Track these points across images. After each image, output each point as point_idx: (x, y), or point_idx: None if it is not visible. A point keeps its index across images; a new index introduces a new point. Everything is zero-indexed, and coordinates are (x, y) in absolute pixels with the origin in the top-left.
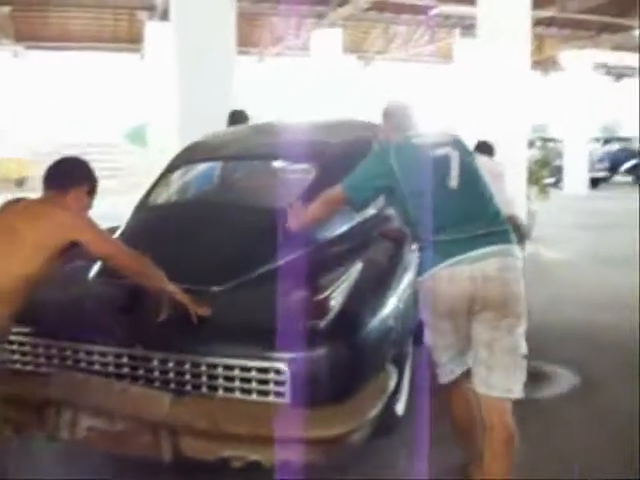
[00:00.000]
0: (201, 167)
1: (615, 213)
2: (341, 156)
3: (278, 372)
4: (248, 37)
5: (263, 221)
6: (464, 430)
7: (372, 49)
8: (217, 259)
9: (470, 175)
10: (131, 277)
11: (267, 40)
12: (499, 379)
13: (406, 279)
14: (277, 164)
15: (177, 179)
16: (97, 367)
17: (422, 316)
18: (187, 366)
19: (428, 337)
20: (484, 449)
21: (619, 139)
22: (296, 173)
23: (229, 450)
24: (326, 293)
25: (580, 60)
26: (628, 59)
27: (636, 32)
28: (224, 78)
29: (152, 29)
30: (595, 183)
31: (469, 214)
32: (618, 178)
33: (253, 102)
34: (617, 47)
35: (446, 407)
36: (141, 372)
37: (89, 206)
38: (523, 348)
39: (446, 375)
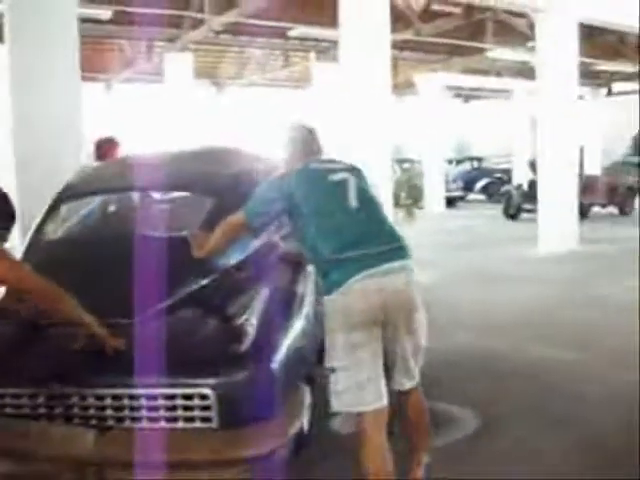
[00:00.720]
0: (91, 201)
1: (478, 231)
2: (233, 186)
3: (203, 397)
4: (94, 62)
5: (165, 251)
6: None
7: (226, 74)
8: (126, 291)
9: (366, 198)
10: (47, 309)
11: (115, 65)
12: (412, 377)
13: (307, 300)
14: (166, 195)
15: (66, 214)
16: (9, 410)
17: (331, 337)
18: (108, 400)
19: (339, 358)
20: None
21: (471, 159)
22: (185, 203)
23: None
24: (242, 318)
25: (432, 83)
26: (477, 82)
27: (487, 54)
28: (69, 107)
29: None
30: (450, 203)
31: (370, 232)
32: (473, 196)
33: (102, 130)
34: (466, 70)
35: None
36: (59, 410)
37: (4, 239)
38: (423, 347)
39: (374, 396)
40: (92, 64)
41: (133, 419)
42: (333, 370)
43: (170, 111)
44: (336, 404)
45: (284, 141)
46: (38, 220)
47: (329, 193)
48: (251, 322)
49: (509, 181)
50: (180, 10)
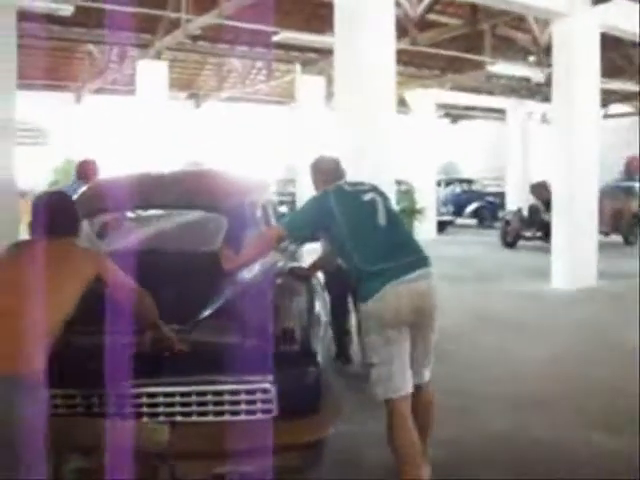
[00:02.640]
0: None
1: (477, 261)
2: (243, 209)
3: (265, 391)
4: (60, 69)
5: (198, 264)
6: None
7: (204, 87)
8: (173, 300)
9: (392, 215)
10: (135, 310)
11: (85, 74)
12: (428, 371)
13: (323, 309)
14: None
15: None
16: (80, 409)
17: (368, 338)
18: (177, 397)
19: (377, 355)
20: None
21: (460, 181)
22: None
23: (224, 466)
24: (290, 323)
25: (424, 100)
26: (471, 100)
27: (488, 68)
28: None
29: None
30: (440, 227)
31: (397, 246)
32: (462, 221)
33: (71, 142)
34: (458, 88)
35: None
36: (129, 409)
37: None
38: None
39: (402, 385)
40: (58, 72)
41: (200, 414)
42: (372, 365)
43: (142, 125)
44: (376, 392)
45: (314, 169)
46: None
47: (362, 212)
48: (296, 326)
49: (502, 205)
50: (154, 9)
